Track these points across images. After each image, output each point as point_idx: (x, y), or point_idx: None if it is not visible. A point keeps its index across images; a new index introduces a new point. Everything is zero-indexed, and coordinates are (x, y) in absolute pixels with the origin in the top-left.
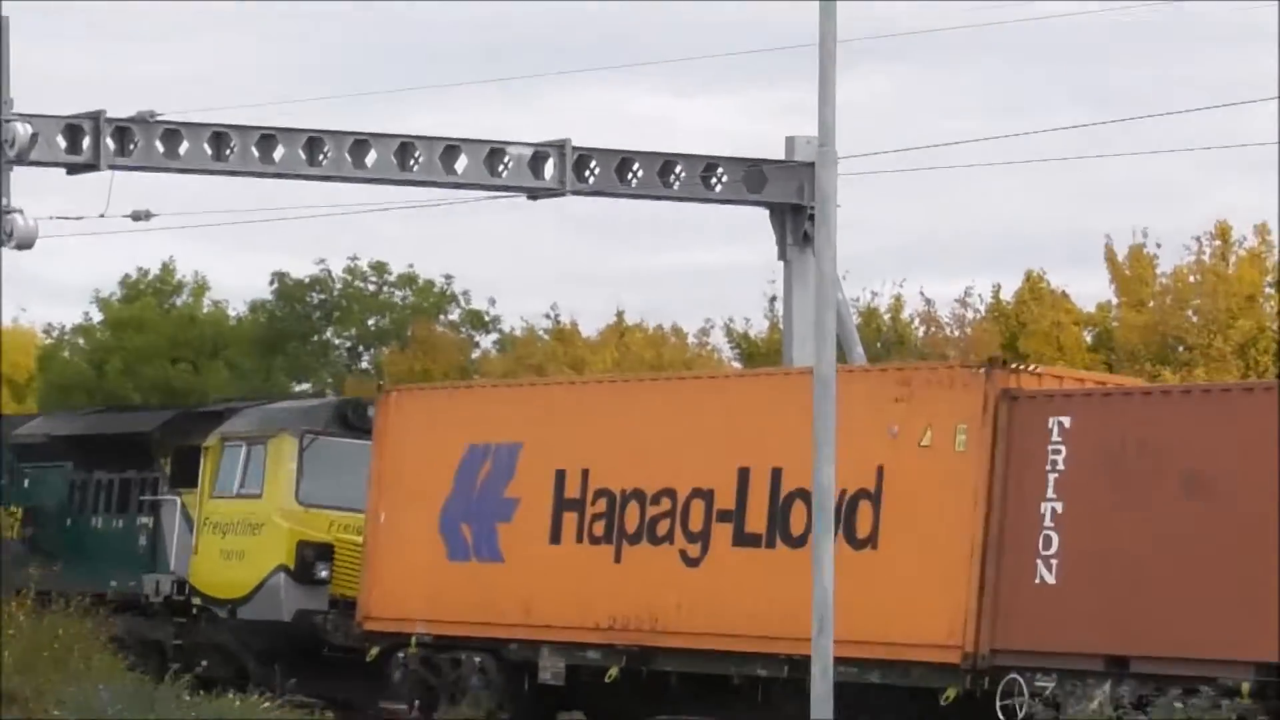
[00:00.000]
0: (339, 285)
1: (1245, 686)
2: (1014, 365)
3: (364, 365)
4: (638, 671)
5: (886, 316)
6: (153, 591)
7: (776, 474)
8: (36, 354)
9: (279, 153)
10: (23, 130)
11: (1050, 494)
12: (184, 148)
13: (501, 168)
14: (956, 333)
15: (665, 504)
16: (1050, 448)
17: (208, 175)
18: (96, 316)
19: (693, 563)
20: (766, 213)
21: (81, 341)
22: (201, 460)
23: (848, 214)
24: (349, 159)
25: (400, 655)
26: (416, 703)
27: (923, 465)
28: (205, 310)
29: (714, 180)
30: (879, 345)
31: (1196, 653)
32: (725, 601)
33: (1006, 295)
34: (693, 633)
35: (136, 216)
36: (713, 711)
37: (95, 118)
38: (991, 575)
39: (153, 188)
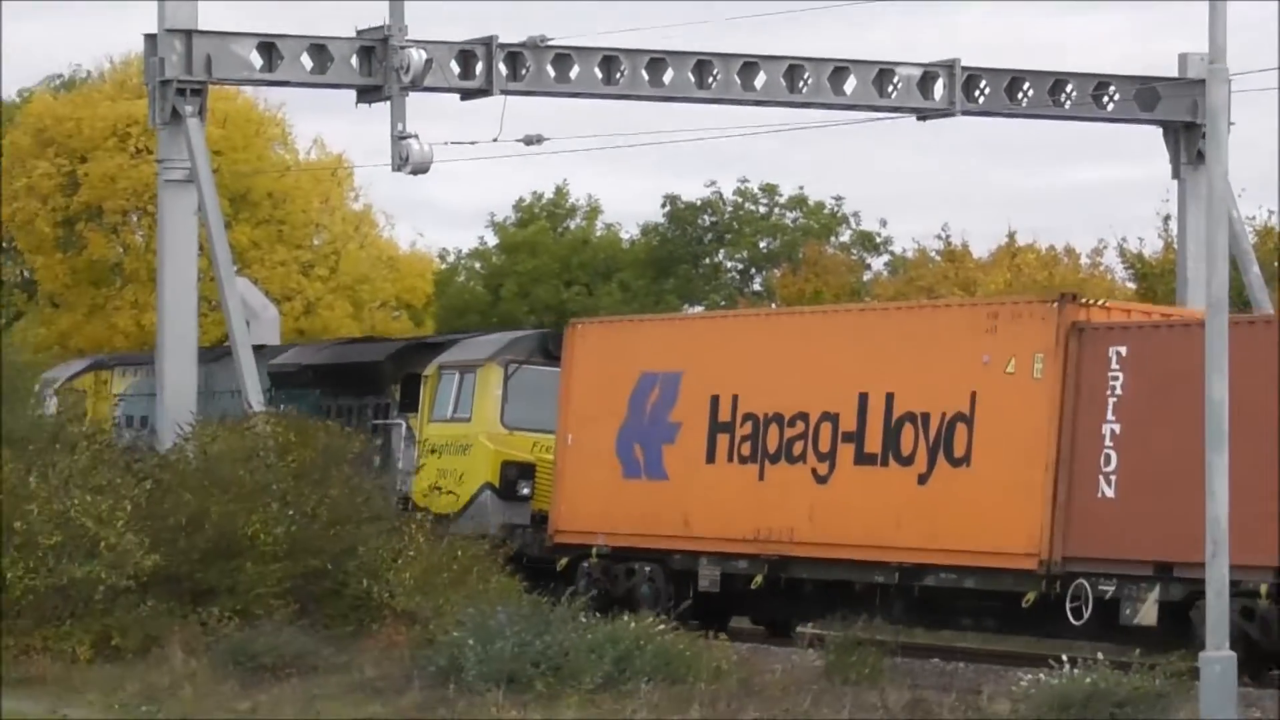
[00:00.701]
0: (729, 208)
1: (1264, 588)
2: (1084, 300)
3: (755, 287)
4: (778, 579)
5: None
6: None
7: (889, 399)
8: (434, 278)
9: (668, 76)
10: (417, 56)
11: (1110, 417)
12: (574, 72)
13: (891, 89)
14: None
15: (799, 426)
16: (1110, 375)
17: (598, 99)
18: (491, 240)
19: (822, 480)
20: (1159, 131)
21: (477, 265)
22: (421, 387)
23: (1243, 132)
24: (738, 81)
25: (584, 565)
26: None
27: (1008, 391)
28: (598, 234)
29: (1105, 99)
30: (1276, 264)
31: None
32: (848, 515)
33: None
34: (821, 543)
35: (529, 141)
36: (841, 615)
37: (488, 43)
38: (1063, 491)
39: (543, 112)
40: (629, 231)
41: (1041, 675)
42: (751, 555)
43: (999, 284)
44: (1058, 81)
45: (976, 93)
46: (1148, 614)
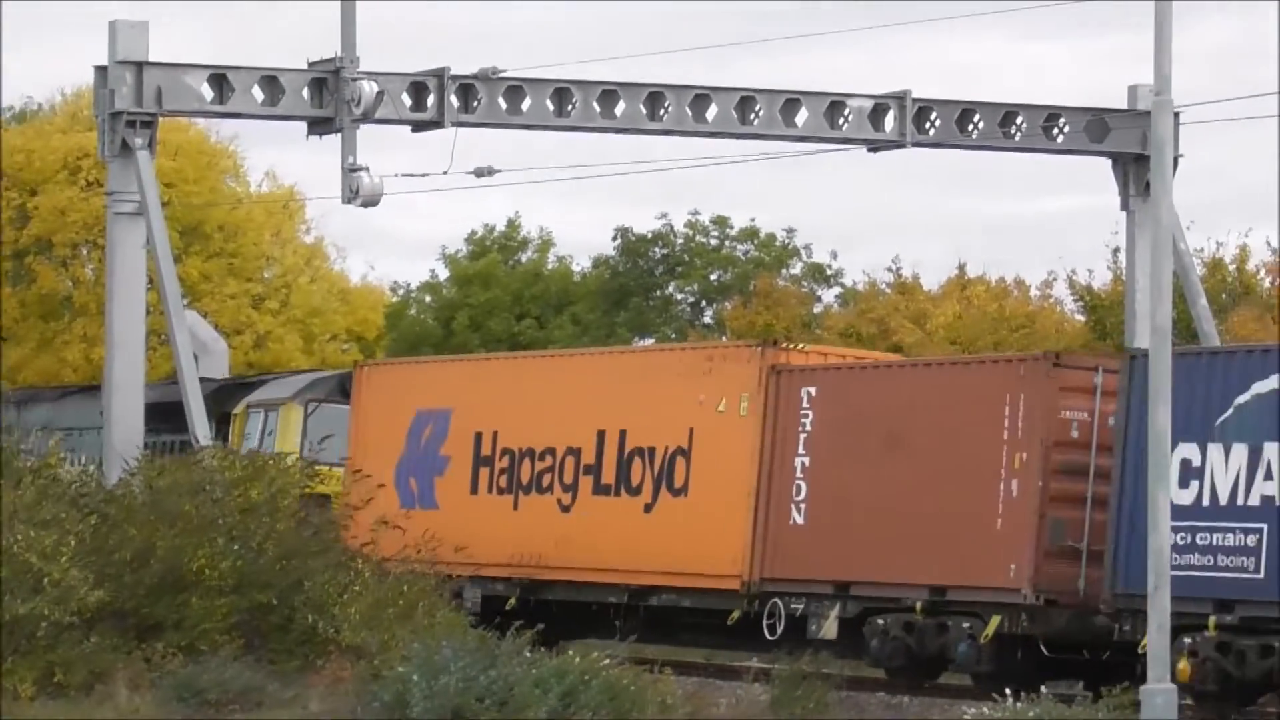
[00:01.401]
0: (681, 240)
1: (918, 604)
2: (784, 344)
3: (706, 320)
4: (528, 600)
5: (1232, 267)
6: None
7: (623, 435)
8: (385, 311)
9: (620, 108)
10: (369, 88)
11: (801, 450)
12: (526, 104)
13: (842, 120)
14: None
15: (548, 460)
16: (801, 412)
17: (549, 131)
18: (443, 273)
19: (566, 509)
20: (1110, 162)
21: (429, 298)
22: (231, 425)
23: (1193, 163)
24: (690, 113)
25: None
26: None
27: (720, 427)
28: (550, 266)
29: (1055, 130)
30: (1224, 296)
31: (892, 578)
32: (587, 541)
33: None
34: (565, 567)
35: (480, 173)
36: (585, 634)
37: (439, 75)
38: (762, 518)
39: (495, 144)
40: (581, 264)
41: (985, 709)
42: (507, 579)
43: (948, 316)
44: (1008, 113)
45: (927, 124)
46: (829, 629)
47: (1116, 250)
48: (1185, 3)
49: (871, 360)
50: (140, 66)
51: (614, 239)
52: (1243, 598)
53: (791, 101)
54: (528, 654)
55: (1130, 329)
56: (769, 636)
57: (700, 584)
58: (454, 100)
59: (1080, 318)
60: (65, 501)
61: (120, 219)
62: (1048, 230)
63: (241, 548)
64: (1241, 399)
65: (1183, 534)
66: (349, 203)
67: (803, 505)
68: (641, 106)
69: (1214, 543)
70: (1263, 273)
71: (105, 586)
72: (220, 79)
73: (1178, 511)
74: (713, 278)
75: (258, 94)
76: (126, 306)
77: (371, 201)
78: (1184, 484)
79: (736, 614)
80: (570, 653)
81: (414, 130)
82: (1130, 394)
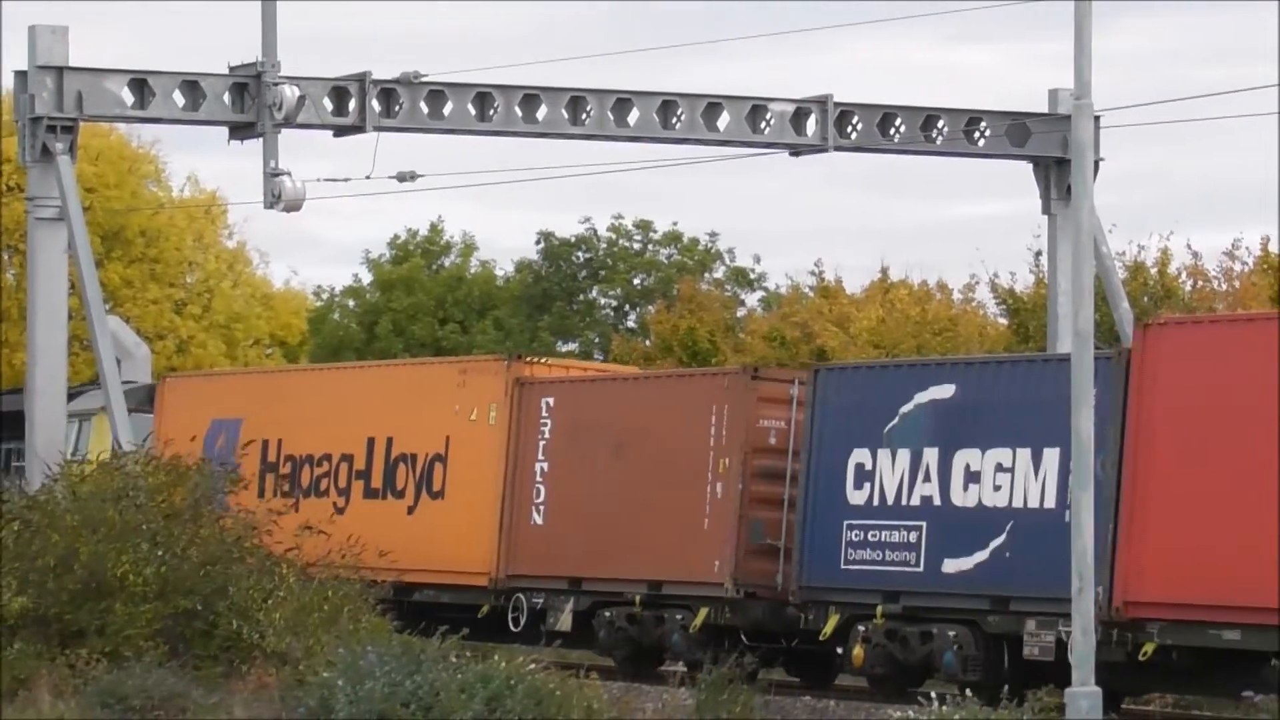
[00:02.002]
0: (604, 244)
1: (638, 598)
2: (528, 359)
3: (630, 324)
4: None
5: (1154, 271)
6: None
7: (389, 442)
8: (308, 315)
9: (542, 112)
10: (290, 93)
11: (540, 456)
12: (448, 108)
13: (764, 124)
14: (1224, 285)
15: (325, 466)
16: (541, 421)
17: (472, 136)
18: (366, 278)
19: (340, 511)
20: (1030, 166)
21: (351, 303)
22: None
23: (1115, 167)
24: (611, 117)
25: None
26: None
27: (473, 435)
28: (472, 270)
29: (977, 134)
30: (1145, 299)
31: (617, 574)
32: (359, 541)
33: (1277, 248)
34: (340, 565)
35: (402, 178)
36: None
37: (361, 79)
38: (508, 519)
39: (418, 148)
40: (504, 268)
41: (910, 712)
42: None
43: (871, 320)
44: (929, 117)
45: (849, 129)
46: (565, 621)
47: (1038, 254)
48: (1108, 3)
49: (600, 373)
50: (60, 71)
51: (537, 243)
52: (906, 589)
53: (713, 106)
54: (453, 659)
55: (1052, 332)
56: (513, 629)
57: (456, 580)
58: (375, 105)
59: (1003, 321)
60: None
61: (41, 224)
62: (970, 234)
63: (165, 553)
64: (905, 408)
65: (857, 531)
66: (271, 208)
67: (542, 507)
68: (563, 111)
69: (883, 539)
70: (1184, 276)
71: (28, 593)
72: (141, 84)
73: (854, 511)
74: (636, 282)
75: (179, 99)
76: (48, 312)
77: (294, 206)
78: (858, 485)
79: (485, 608)
80: (496, 657)
81: (336, 135)
82: (814, 404)
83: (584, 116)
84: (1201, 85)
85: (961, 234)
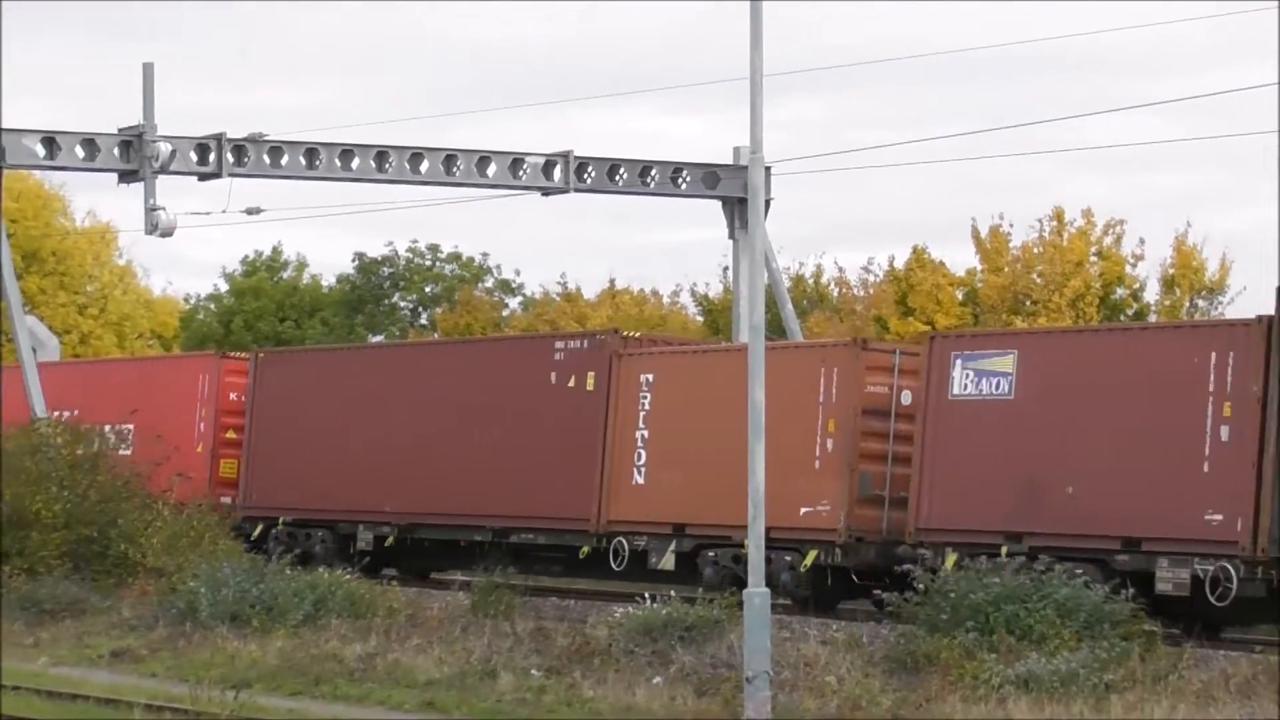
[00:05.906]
0: (403, 261)
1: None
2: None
3: (423, 322)
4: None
5: (810, 281)
6: None
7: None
8: (180, 316)
9: (356, 163)
10: (165, 148)
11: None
12: (285, 160)
13: (521, 172)
14: (861, 293)
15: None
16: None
17: (303, 180)
18: (224, 287)
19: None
20: (720, 204)
21: (213, 306)
22: None
23: (784, 205)
24: (408, 167)
25: None
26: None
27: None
28: (305, 281)
29: (680, 180)
30: (804, 303)
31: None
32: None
33: (899, 264)
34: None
35: (250, 211)
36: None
37: (218, 138)
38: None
39: (264, 189)
40: (328, 280)
41: (630, 608)
42: None
43: (603, 318)
44: (645, 167)
45: (586, 176)
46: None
47: (726, 269)
48: (779, 80)
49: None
50: None
51: (353, 260)
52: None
53: (484, 158)
54: (288, 571)
55: (736, 327)
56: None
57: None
58: (230, 157)
59: (700, 318)
60: None
61: None
62: (677, 254)
63: (70, 494)
64: None
65: None
66: (150, 234)
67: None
68: (372, 162)
69: None
70: (832, 285)
71: None
72: (51, 141)
73: None
74: (427, 289)
75: (80, 152)
76: None
77: (168, 233)
78: None
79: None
80: (320, 570)
81: (200, 180)
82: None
83: (387, 166)
84: (849, 143)
85: (670, 254)
